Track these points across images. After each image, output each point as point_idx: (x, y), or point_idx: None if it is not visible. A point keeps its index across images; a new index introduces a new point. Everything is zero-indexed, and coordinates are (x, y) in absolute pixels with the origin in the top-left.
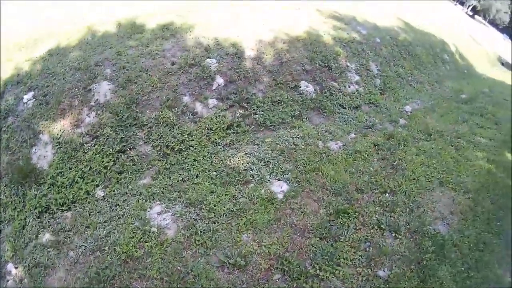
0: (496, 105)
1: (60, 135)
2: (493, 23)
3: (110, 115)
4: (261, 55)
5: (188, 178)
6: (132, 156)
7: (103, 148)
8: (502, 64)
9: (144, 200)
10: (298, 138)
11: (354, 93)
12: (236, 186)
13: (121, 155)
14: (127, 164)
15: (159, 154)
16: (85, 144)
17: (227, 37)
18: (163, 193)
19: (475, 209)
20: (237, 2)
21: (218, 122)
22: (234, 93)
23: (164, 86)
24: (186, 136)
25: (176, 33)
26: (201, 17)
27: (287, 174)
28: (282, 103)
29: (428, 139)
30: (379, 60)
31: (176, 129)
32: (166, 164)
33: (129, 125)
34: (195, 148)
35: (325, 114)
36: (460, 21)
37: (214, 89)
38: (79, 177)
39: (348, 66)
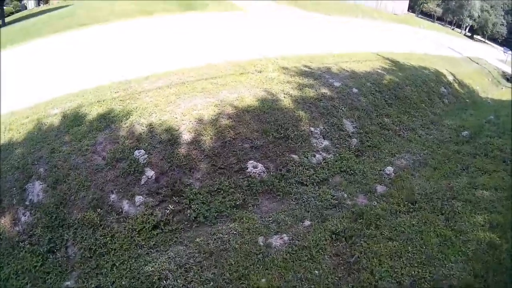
0: (504, 134)
1: (1, 232)
2: (492, 38)
3: (42, 215)
4: (199, 137)
5: (105, 285)
6: (59, 258)
7: (33, 248)
8: (508, 79)
9: None
10: (235, 234)
11: (320, 164)
12: None
13: (49, 256)
14: (53, 265)
15: (83, 257)
16: (20, 243)
17: (164, 120)
18: None
19: None
20: (191, 74)
21: (144, 221)
22: (166, 186)
23: (91, 185)
24: (109, 238)
25: (111, 123)
26: (144, 99)
27: (208, 283)
28: (222, 192)
29: (411, 209)
30: (356, 114)
31: (100, 231)
32: (87, 268)
33: (57, 226)
34: (116, 252)
35: (278, 197)
36: (456, 45)
37: (143, 184)
38: (13, 274)
39: (312, 131)
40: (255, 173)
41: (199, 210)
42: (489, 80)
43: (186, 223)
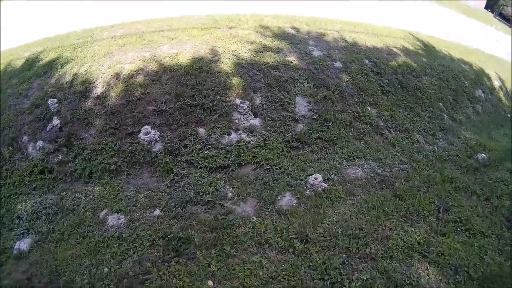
0: None
1: None
2: None
3: None
4: (107, 92)
5: None
6: None
7: None
8: None
9: None
10: (90, 199)
11: (231, 146)
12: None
13: None
14: None
15: None
16: None
17: (89, 71)
18: None
19: None
20: (154, 25)
21: (35, 165)
22: (63, 137)
23: (13, 125)
24: (9, 173)
25: (50, 70)
26: (92, 48)
27: (33, 239)
28: (104, 152)
29: (289, 249)
30: (323, 94)
31: (6, 166)
32: None
33: None
34: (10, 187)
35: (158, 172)
36: None
37: (48, 131)
38: None
39: (238, 104)
40: (144, 140)
41: (77, 166)
42: None
43: (67, 175)
